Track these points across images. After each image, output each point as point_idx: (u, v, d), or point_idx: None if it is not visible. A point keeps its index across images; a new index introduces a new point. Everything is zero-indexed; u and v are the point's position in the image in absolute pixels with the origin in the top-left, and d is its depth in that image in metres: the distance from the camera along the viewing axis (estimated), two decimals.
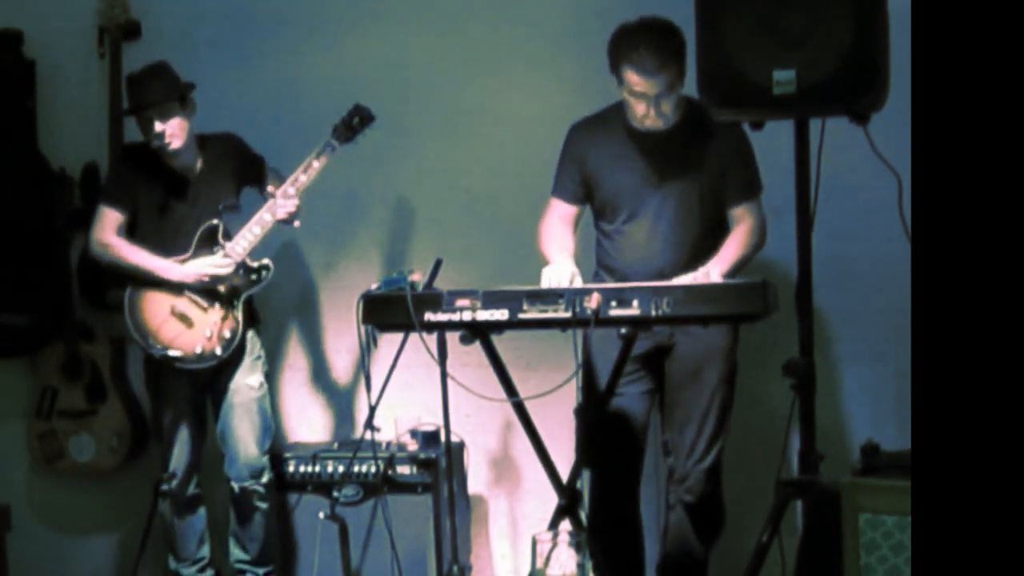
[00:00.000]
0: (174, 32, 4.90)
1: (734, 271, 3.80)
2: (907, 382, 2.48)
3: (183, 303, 4.31)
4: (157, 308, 4.31)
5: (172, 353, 4.28)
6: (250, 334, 4.41)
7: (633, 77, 3.76)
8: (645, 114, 3.83)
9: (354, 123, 4.35)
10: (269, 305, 4.74)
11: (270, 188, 4.31)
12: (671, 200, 3.91)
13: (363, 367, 3.87)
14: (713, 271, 3.72)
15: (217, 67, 4.80)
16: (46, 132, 4.93)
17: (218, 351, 4.29)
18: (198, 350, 4.28)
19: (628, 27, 3.81)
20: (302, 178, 4.29)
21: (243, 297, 4.34)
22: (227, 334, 4.31)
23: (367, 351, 3.73)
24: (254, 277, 4.36)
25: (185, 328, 4.30)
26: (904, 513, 3.08)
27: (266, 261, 4.37)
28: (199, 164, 4.39)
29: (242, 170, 4.45)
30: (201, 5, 4.93)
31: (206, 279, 4.28)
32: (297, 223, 4.35)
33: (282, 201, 4.27)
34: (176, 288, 4.30)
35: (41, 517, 5.02)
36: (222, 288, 4.31)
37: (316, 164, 4.30)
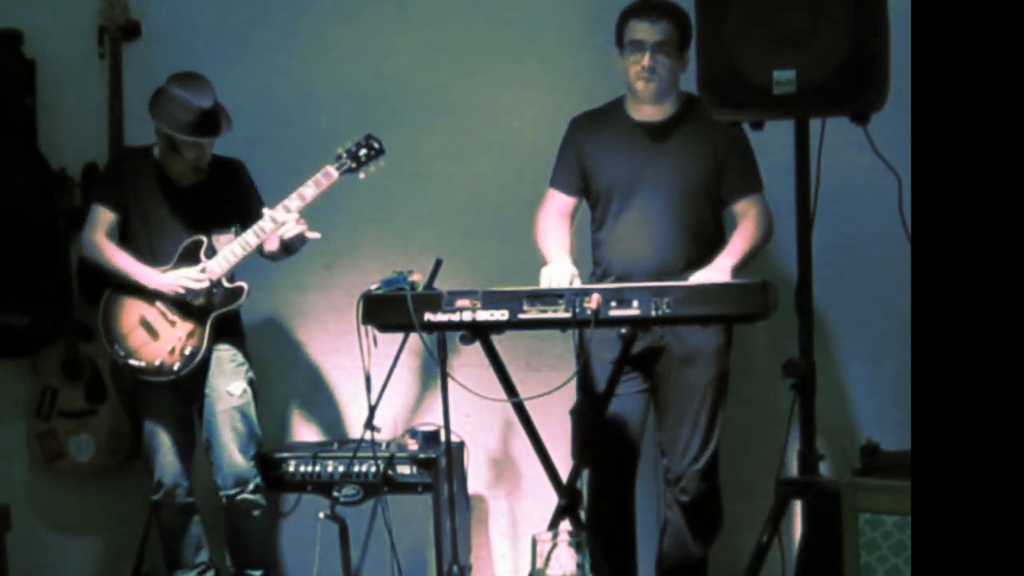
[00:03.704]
0: (174, 32, 4.90)
1: (744, 263, 3.81)
2: (907, 382, 2.48)
3: (153, 314, 4.29)
4: (129, 315, 4.30)
5: (132, 362, 4.28)
6: (225, 345, 4.36)
7: (634, 25, 3.84)
8: (639, 74, 3.85)
9: (361, 155, 4.28)
10: (268, 306, 4.74)
11: (265, 211, 4.24)
12: (662, 193, 3.92)
13: (363, 367, 3.87)
14: (724, 263, 3.74)
15: (216, 67, 4.78)
16: (46, 132, 4.92)
17: (176, 367, 4.27)
18: (157, 363, 4.27)
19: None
20: (295, 204, 4.20)
21: (213, 316, 4.29)
22: (188, 351, 4.27)
23: (367, 351, 3.73)
24: (227, 297, 4.30)
25: (150, 339, 4.28)
26: (904, 513, 3.08)
27: (241, 284, 4.31)
28: (201, 177, 4.35)
29: (242, 198, 4.40)
30: (201, 5, 4.93)
31: (180, 291, 4.24)
32: (309, 234, 4.25)
33: (268, 225, 4.19)
34: (151, 297, 4.28)
35: (41, 517, 5.00)
36: (194, 303, 4.27)
37: (312, 191, 4.22)
